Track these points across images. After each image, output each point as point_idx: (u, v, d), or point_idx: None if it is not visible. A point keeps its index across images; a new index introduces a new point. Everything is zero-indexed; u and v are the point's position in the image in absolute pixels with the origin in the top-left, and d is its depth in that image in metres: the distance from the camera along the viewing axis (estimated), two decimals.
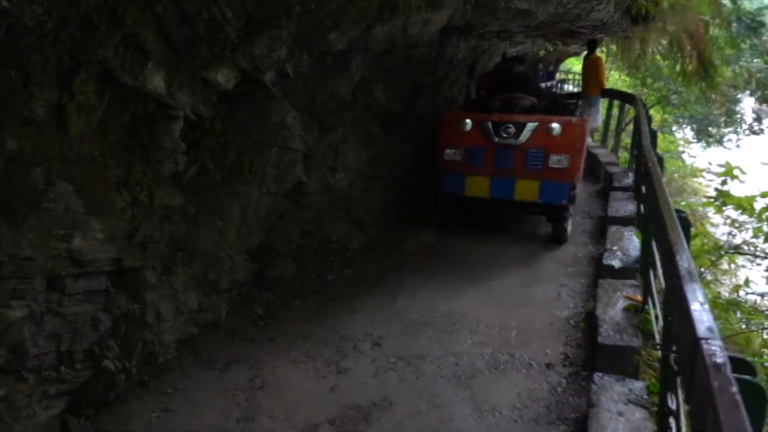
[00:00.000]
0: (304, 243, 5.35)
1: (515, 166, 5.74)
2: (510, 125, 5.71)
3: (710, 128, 20.53)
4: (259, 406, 3.51)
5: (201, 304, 4.15)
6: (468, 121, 5.87)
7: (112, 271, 3.40)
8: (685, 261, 1.72)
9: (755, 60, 16.16)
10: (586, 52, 10.29)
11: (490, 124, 5.78)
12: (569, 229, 6.07)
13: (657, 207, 2.62)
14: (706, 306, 1.43)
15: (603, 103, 10.86)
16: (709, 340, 1.20)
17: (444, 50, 6.72)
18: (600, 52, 12.02)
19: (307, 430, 3.31)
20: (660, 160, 4.68)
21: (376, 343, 4.21)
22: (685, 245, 1.96)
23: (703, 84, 10.51)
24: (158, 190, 3.71)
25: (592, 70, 9.78)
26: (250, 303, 4.68)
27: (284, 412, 3.45)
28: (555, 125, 5.61)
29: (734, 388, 1.03)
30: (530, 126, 5.69)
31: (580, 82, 10.60)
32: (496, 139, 5.73)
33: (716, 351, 1.16)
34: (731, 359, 1.16)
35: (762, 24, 14.87)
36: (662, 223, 2.23)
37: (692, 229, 6.03)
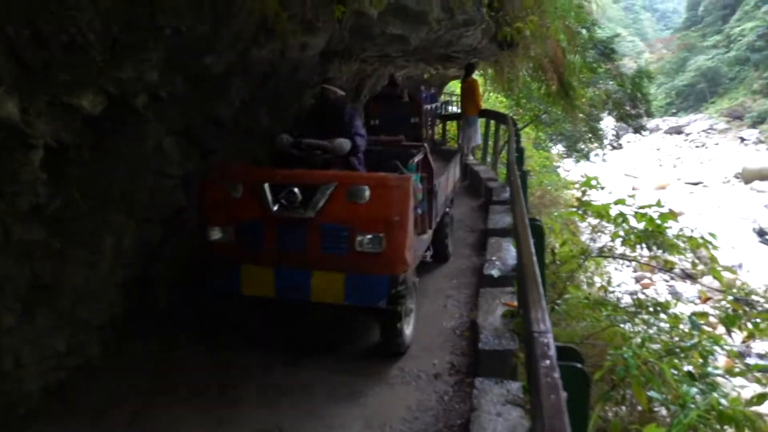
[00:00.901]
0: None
1: (308, 251, 3.90)
2: (294, 189, 3.85)
3: (579, 144, 22.47)
4: None
5: (70, 345, 3.84)
6: (238, 183, 4.05)
7: None
8: (529, 267, 1.89)
9: (610, 83, 18.03)
10: (464, 75, 11.03)
11: (267, 187, 3.93)
12: (408, 333, 4.33)
13: (515, 217, 2.85)
14: (543, 304, 1.58)
15: (482, 123, 11.59)
16: (541, 333, 1.34)
17: (326, 74, 6.85)
18: (477, 75, 12.86)
19: None
20: (523, 174, 5.09)
21: (268, 370, 4.13)
22: (532, 251, 2.15)
23: (565, 104, 11.56)
24: (15, 226, 3.41)
25: (469, 92, 10.51)
26: (127, 340, 4.40)
27: None
28: (362, 188, 3.79)
29: (556, 373, 1.16)
30: (325, 189, 3.84)
31: (462, 101, 11.49)
32: (275, 209, 3.90)
33: (546, 342, 1.30)
34: (561, 349, 1.30)
35: (613, 51, 16.68)
36: (517, 232, 2.43)
37: (562, 236, 6.57)
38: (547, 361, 1.20)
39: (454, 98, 23.41)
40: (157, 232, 4.76)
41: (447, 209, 6.12)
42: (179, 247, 4.99)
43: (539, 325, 1.40)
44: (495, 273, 5.23)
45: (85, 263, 3.98)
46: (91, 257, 4.02)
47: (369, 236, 3.75)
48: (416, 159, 4.93)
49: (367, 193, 3.78)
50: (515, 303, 4.48)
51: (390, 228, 3.75)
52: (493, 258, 5.69)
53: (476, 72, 12.43)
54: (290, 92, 6.26)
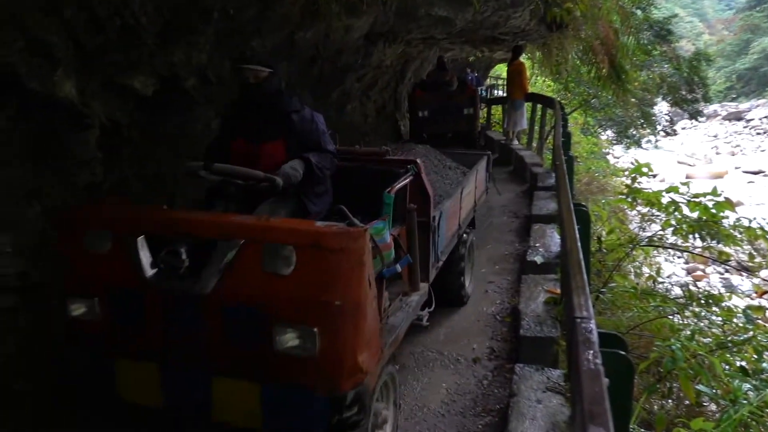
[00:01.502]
0: None
1: (205, 343, 2.46)
2: (177, 248, 2.44)
3: (630, 130, 21.74)
4: None
5: None
6: (104, 231, 2.61)
7: (20, 288, 3.23)
8: (573, 252, 1.85)
9: (666, 66, 17.31)
10: (510, 58, 10.75)
11: (141, 241, 2.53)
12: None
13: (559, 203, 2.79)
14: (587, 290, 1.54)
15: (528, 107, 11.34)
16: (583, 319, 1.31)
17: (370, 57, 6.84)
18: (524, 58, 12.56)
19: None
20: (570, 159, 4.94)
21: None
22: (576, 237, 2.10)
23: (616, 88, 11.18)
24: (73, 201, 3.57)
25: (515, 76, 10.25)
26: None
27: None
28: (284, 250, 2.30)
29: (598, 359, 1.14)
30: (226, 249, 2.38)
31: (508, 84, 11.13)
32: (152, 276, 2.50)
33: (588, 328, 1.27)
34: (604, 335, 1.28)
35: (670, 32, 15.98)
36: (561, 217, 2.38)
37: (609, 224, 6.39)
38: (589, 347, 1.18)
39: (499, 82, 22.97)
40: None
41: (465, 234, 4.75)
42: None
43: (582, 311, 1.37)
44: (538, 259, 5.15)
45: None
46: None
47: (294, 330, 2.27)
48: (397, 186, 3.15)
49: (293, 257, 2.25)
50: (558, 290, 4.41)
51: (328, 317, 2.25)
52: (537, 244, 5.60)
53: (523, 55, 12.13)
54: (334, 75, 6.28)
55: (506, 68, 11.86)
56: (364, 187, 3.31)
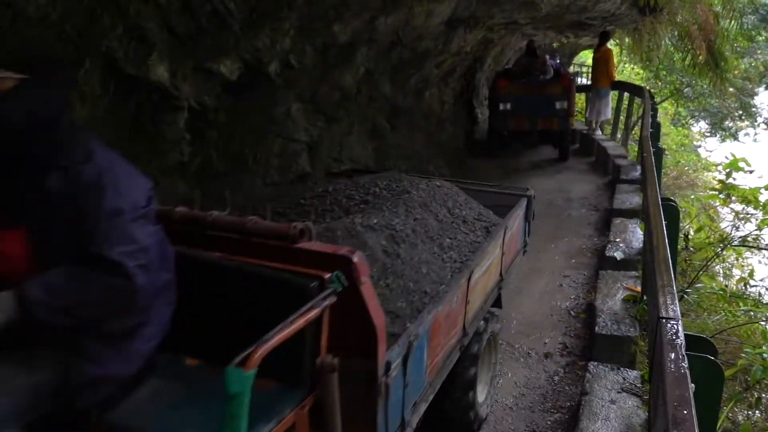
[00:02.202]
0: None
1: None
2: None
3: (726, 122, 20.24)
4: None
5: None
6: None
7: None
8: (660, 249, 1.75)
9: None
10: (597, 44, 10.23)
11: None
12: None
13: (645, 197, 2.64)
14: (673, 290, 1.46)
15: (614, 96, 10.80)
16: (669, 320, 1.24)
17: (450, 43, 6.74)
18: (612, 45, 11.94)
19: None
20: (658, 151, 4.66)
21: None
22: (664, 233, 1.99)
23: (713, 76, 10.40)
24: (163, 180, 3.79)
25: (602, 62, 9.75)
26: None
27: None
28: None
29: (684, 363, 1.07)
30: None
31: (593, 71, 10.37)
32: None
33: (674, 329, 1.20)
34: (692, 338, 1.20)
35: None
36: (647, 212, 2.25)
37: (698, 221, 6.01)
38: (674, 349, 1.11)
39: (584, 69, 22.01)
40: (283, 193, 5.04)
41: (484, 321, 3.08)
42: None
43: (667, 311, 1.30)
44: (618, 255, 4.93)
45: None
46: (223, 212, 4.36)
47: None
48: (281, 333, 1.43)
49: None
50: (638, 288, 4.21)
51: None
52: (617, 239, 5.36)
53: (611, 41, 11.52)
54: (413, 62, 6.25)
55: (592, 54, 11.27)
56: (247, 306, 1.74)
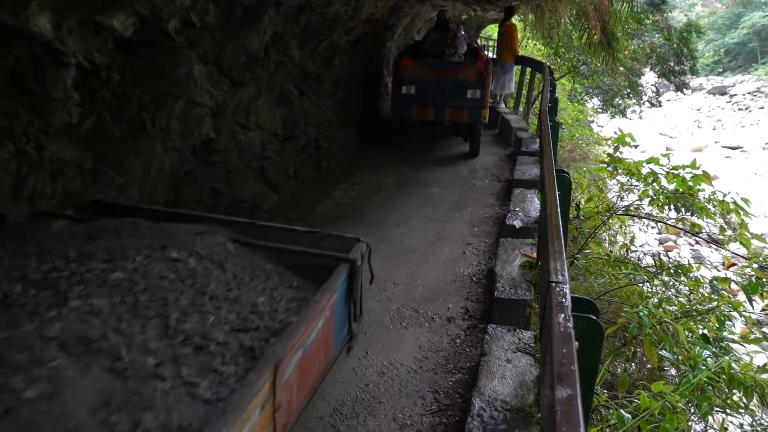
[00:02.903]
0: (213, 202, 5.23)
1: None
2: None
3: (616, 99, 21.72)
4: None
5: None
6: None
7: None
8: (552, 216, 1.87)
9: (657, 35, 17.19)
10: (502, 19, 10.54)
11: None
12: None
13: (541, 168, 2.80)
14: (563, 256, 1.57)
15: (516, 71, 11.23)
16: (558, 283, 1.34)
17: (361, 9, 6.66)
18: (516, 20, 12.35)
19: None
20: (555, 125, 4.93)
21: None
22: (557, 203, 2.12)
23: (606, 55, 11.10)
24: (48, 143, 3.48)
25: (506, 37, 10.07)
26: None
27: None
28: None
29: (570, 323, 1.17)
30: None
31: (498, 46, 10.61)
32: None
33: (562, 292, 1.30)
34: (578, 300, 1.31)
35: (664, 1, 15.80)
36: (543, 182, 2.40)
37: (589, 192, 6.46)
38: (562, 311, 1.21)
39: (490, 43, 22.64)
40: (186, 161, 4.82)
41: None
42: (206, 175, 5.06)
43: (557, 275, 1.40)
44: (517, 224, 5.21)
45: (114, 186, 4.07)
46: (120, 179, 4.10)
47: None
48: None
49: None
50: (534, 254, 4.48)
51: None
52: (517, 209, 5.65)
53: (515, 16, 11.92)
54: (322, 27, 6.12)
55: (497, 29, 11.61)
56: None
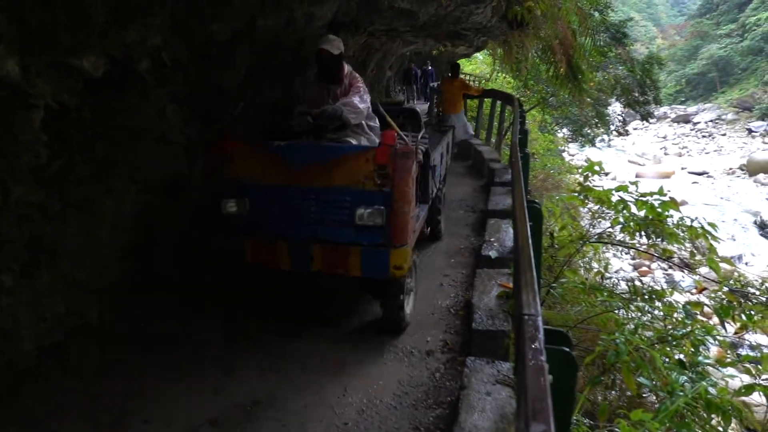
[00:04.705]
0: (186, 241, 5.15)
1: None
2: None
3: (585, 129, 22.34)
4: (133, 412, 3.35)
5: (69, 307, 3.87)
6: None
7: None
8: (524, 248, 1.90)
9: (620, 67, 17.84)
10: (450, 75, 10.57)
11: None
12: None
13: (513, 199, 2.85)
14: (535, 287, 1.59)
15: (486, 102, 11.51)
16: (530, 316, 1.35)
17: None
18: (485, 54, 12.66)
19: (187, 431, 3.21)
20: (526, 156, 5.04)
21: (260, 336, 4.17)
22: (528, 234, 2.15)
23: (573, 87, 11.46)
24: (15, 186, 3.41)
25: (459, 90, 10.12)
26: (126, 305, 4.43)
27: (163, 416, 3.32)
28: None
29: (543, 356, 1.17)
30: None
31: (447, 100, 10.20)
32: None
33: (534, 325, 1.31)
34: (550, 332, 1.32)
35: (625, 35, 16.47)
36: (514, 214, 2.43)
37: (562, 220, 6.56)
38: (535, 344, 1.21)
39: (461, 77, 23.16)
40: (159, 198, 4.76)
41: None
42: (180, 214, 5.00)
43: (529, 308, 1.41)
44: (493, 254, 5.25)
45: (84, 227, 3.99)
46: (90, 221, 4.03)
47: None
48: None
49: None
50: (511, 285, 4.51)
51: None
52: (492, 239, 5.70)
53: (484, 51, 12.26)
54: (295, 64, 6.20)
55: (471, 63, 11.89)
56: None
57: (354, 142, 4.33)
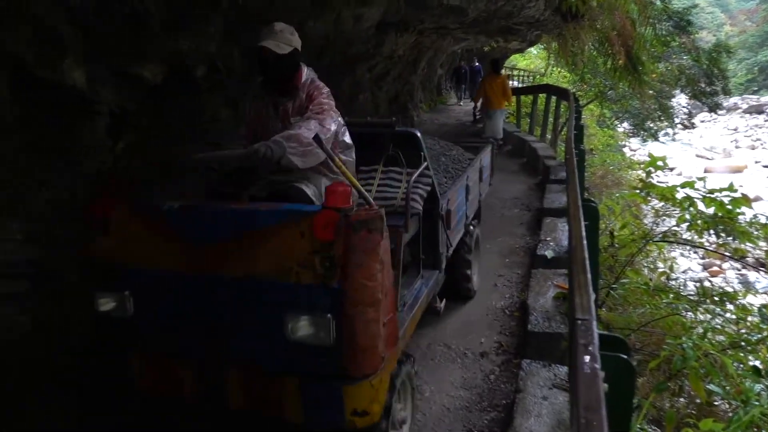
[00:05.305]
0: None
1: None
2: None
3: (647, 123, 21.43)
4: None
5: None
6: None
7: (35, 274, 3.25)
8: (578, 249, 1.81)
9: (684, 57, 16.99)
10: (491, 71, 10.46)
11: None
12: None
13: (568, 198, 2.74)
14: (589, 290, 1.50)
15: (541, 98, 11.25)
16: (584, 321, 1.27)
17: (381, 46, 6.77)
18: (540, 48, 12.35)
19: None
20: (581, 153, 4.85)
21: None
22: (582, 234, 2.05)
23: (632, 79, 10.99)
24: (83, 190, 3.58)
25: (501, 88, 10.04)
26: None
27: None
28: None
29: (597, 364, 1.10)
30: None
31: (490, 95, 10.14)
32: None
33: (589, 330, 1.23)
34: (606, 337, 1.24)
35: (689, 23, 15.67)
36: (569, 213, 2.33)
37: (622, 218, 6.30)
38: (589, 350, 1.14)
39: (514, 72, 22.72)
40: None
41: (471, 226, 4.71)
42: None
43: (583, 312, 1.33)
44: (548, 254, 5.09)
45: None
46: None
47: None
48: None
49: None
50: (567, 285, 4.35)
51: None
52: (548, 238, 5.54)
53: (538, 45, 11.98)
54: (344, 66, 6.24)
55: (525, 59, 11.64)
56: None
57: (308, 191, 2.66)
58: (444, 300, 3.80)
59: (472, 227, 4.60)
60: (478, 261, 4.99)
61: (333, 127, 2.78)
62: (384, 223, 2.21)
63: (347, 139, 3.04)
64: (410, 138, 3.35)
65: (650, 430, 3.69)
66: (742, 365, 3.96)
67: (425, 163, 3.25)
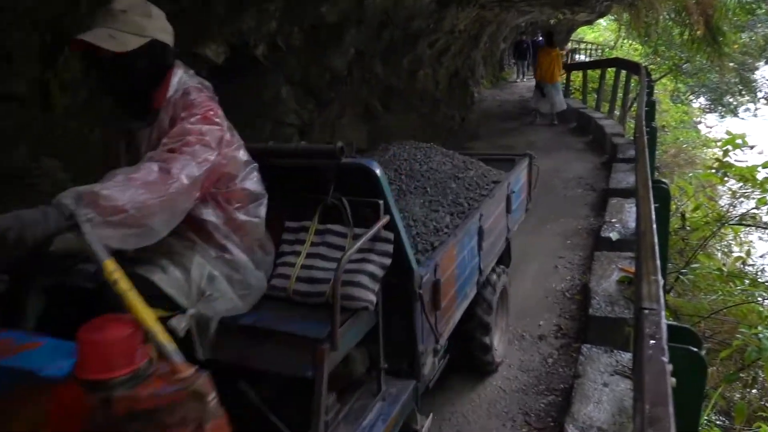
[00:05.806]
0: None
1: None
2: None
3: (726, 97, 20.12)
4: None
5: None
6: None
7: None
8: (646, 234, 1.71)
9: None
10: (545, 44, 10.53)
11: None
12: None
13: (636, 178, 2.60)
14: (658, 278, 1.42)
15: (609, 72, 10.78)
16: (651, 311, 1.20)
17: (442, 21, 6.63)
18: (610, 20, 11.75)
19: None
20: (652, 130, 4.59)
21: None
22: (652, 217, 1.94)
23: (711, 51, 10.28)
24: None
25: (557, 61, 10.22)
26: None
27: None
28: None
29: (665, 357, 1.03)
30: None
31: (545, 69, 10.33)
32: None
33: (656, 321, 1.16)
34: (675, 328, 1.17)
35: None
36: (638, 194, 2.21)
37: (696, 200, 5.97)
38: (655, 342, 1.08)
39: (582, 45, 21.79)
40: None
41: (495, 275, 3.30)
42: None
43: (650, 301, 1.26)
44: (613, 236, 4.89)
45: None
46: None
47: None
48: None
49: None
50: (633, 269, 4.18)
51: None
52: (613, 220, 5.32)
53: (608, 17, 11.42)
54: (405, 42, 6.16)
55: (593, 31, 11.17)
56: None
57: (162, 282, 1.61)
58: (431, 414, 2.49)
59: (495, 276, 3.28)
60: (506, 319, 3.68)
61: (199, 173, 1.55)
62: (207, 405, 1.03)
63: (253, 185, 1.84)
64: (365, 175, 1.95)
65: (718, 421, 3.52)
66: None
67: (385, 218, 1.95)
